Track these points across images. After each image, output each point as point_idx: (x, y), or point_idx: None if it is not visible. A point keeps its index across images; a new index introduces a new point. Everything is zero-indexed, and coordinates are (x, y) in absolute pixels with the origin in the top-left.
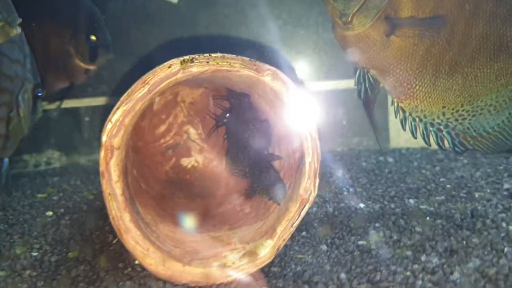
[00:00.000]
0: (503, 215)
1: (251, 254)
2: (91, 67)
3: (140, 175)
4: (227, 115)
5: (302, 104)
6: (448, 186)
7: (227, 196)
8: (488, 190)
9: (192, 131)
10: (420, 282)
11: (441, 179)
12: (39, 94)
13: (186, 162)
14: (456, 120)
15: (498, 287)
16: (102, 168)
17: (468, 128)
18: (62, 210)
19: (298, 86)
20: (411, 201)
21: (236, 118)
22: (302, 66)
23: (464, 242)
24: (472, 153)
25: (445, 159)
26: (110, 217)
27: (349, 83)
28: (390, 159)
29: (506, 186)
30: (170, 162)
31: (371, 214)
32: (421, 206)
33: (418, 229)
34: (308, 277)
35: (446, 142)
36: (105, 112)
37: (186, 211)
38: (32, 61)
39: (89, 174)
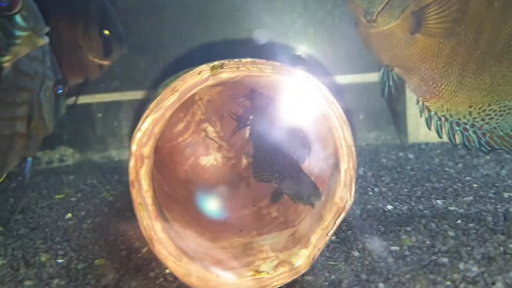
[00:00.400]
0: None
1: (286, 263)
2: (105, 62)
3: (162, 176)
4: (251, 117)
5: (336, 110)
6: (475, 185)
7: (248, 198)
8: None
9: (210, 129)
10: None
11: (466, 178)
12: (60, 91)
13: (204, 161)
14: (483, 119)
15: None
16: (132, 177)
17: (495, 128)
18: (83, 213)
19: (330, 90)
20: (439, 202)
21: (260, 121)
22: (318, 60)
23: (502, 248)
24: (497, 152)
25: (467, 155)
26: (141, 227)
27: (366, 77)
28: (411, 155)
29: None
30: (189, 161)
31: (400, 217)
32: (450, 208)
33: (450, 233)
34: (345, 286)
35: (472, 142)
36: (117, 108)
37: (209, 213)
38: (52, 58)
39: (105, 172)
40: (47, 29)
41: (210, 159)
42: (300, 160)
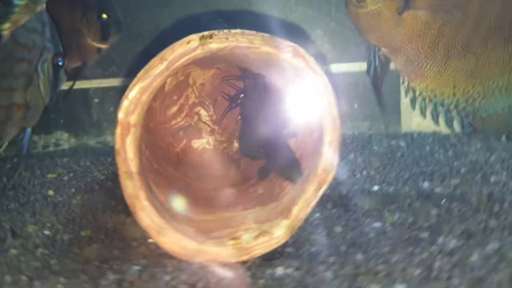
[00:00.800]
0: None
1: (266, 233)
2: (103, 46)
3: (153, 156)
4: (241, 95)
5: (323, 81)
6: (463, 169)
7: (239, 178)
8: (504, 174)
9: (203, 112)
10: (438, 263)
11: (455, 163)
12: (60, 63)
13: (197, 144)
14: (467, 101)
15: None
16: (118, 145)
17: (478, 110)
18: (73, 190)
19: (319, 63)
20: (426, 184)
21: (250, 99)
22: (313, 48)
23: (482, 226)
24: (484, 136)
25: (458, 143)
26: (125, 194)
27: (362, 66)
28: (402, 143)
29: None
30: (181, 144)
31: (386, 197)
32: (436, 190)
33: (434, 211)
34: (323, 257)
35: (455, 122)
36: (114, 93)
37: (199, 192)
38: (52, 30)
39: (99, 155)
40: None
41: (203, 142)
42: (290, 135)
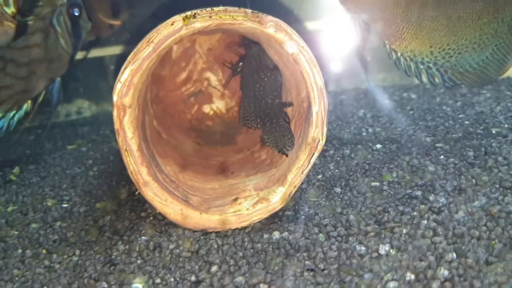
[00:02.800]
0: None
1: (264, 200)
2: (115, 22)
3: (162, 125)
4: (240, 63)
5: (306, 53)
6: (467, 122)
7: (246, 143)
8: (506, 126)
9: (212, 77)
10: (425, 221)
11: (460, 116)
12: (76, 13)
13: (208, 108)
14: (444, 58)
15: (498, 224)
16: (116, 126)
17: (455, 65)
18: (90, 161)
19: (300, 36)
20: (428, 139)
21: (249, 67)
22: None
23: (474, 181)
24: (464, 87)
25: (468, 93)
26: (128, 171)
27: None
28: (414, 95)
29: None
30: (193, 110)
31: (387, 155)
32: (437, 145)
33: (430, 168)
34: (318, 219)
35: (436, 78)
36: None
37: (207, 158)
38: None
39: None
40: None
41: (213, 107)
42: (287, 105)
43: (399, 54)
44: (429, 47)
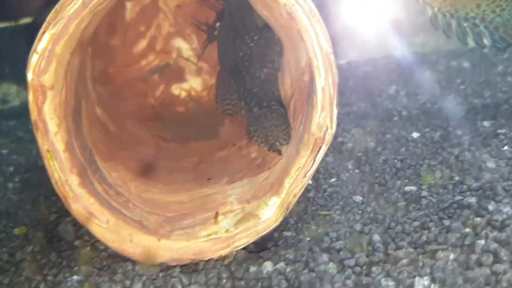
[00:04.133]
0: None
1: (251, 217)
2: None
3: (110, 114)
4: (218, 24)
5: (305, 4)
6: None
7: (232, 135)
8: None
9: (183, 45)
10: (482, 242)
11: None
12: None
13: (178, 89)
14: (493, 11)
15: None
16: (34, 116)
17: (508, 20)
18: (12, 168)
19: None
20: (486, 123)
21: (229, 27)
22: None
23: None
24: None
25: None
26: (52, 181)
27: None
28: (466, 64)
29: None
30: (157, 92)
31: (428, 147)
32: (499, 131)
33: (490, 164)
34: (329, 242)
35: (485, 39)
36: None
37: (176, 160)
38: None
39: None
40: None
41: (186, 87)
42: (275, 66)
43: (435, 9)
44: None
